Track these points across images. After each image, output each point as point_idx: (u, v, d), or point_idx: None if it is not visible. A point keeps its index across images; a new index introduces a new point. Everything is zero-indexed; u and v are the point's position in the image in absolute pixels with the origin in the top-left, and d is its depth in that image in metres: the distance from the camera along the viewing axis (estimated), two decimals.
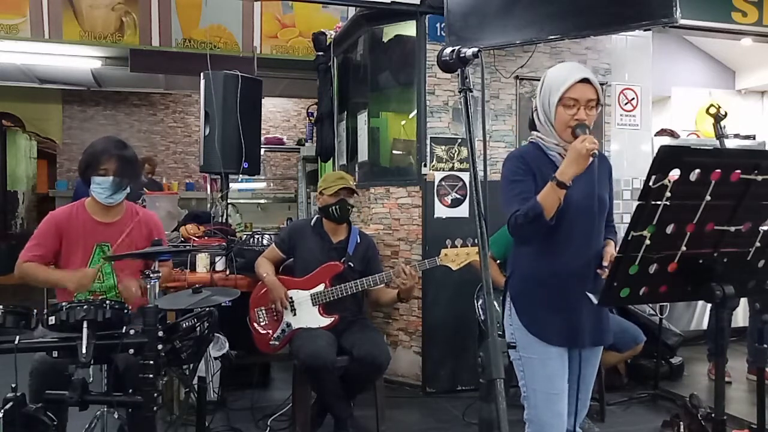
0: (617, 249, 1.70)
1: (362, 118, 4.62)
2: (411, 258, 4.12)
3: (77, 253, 2.73)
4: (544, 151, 2.10)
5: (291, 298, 3.22)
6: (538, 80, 2.13)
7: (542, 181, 2.00)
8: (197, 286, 2.59)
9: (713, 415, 1.78)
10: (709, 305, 4.55)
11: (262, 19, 6.58)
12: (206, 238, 4.03)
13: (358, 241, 3.36)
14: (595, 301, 2.03)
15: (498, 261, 3.39)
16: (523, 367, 2.11)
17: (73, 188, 8.07)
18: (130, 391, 2.23)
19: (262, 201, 7.82)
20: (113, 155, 2.70)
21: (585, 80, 2.01)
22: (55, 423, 2.17)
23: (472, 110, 1.53)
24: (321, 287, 3.21)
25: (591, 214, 2.08)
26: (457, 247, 2.96)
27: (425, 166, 4.12)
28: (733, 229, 1.59)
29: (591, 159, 1.91)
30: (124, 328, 2.22)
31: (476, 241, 1.68)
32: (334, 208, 3.26)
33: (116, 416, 2.39)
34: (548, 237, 2.04)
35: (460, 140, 4.18)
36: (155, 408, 2.15)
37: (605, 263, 2.03)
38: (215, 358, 3.24)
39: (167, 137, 9.87)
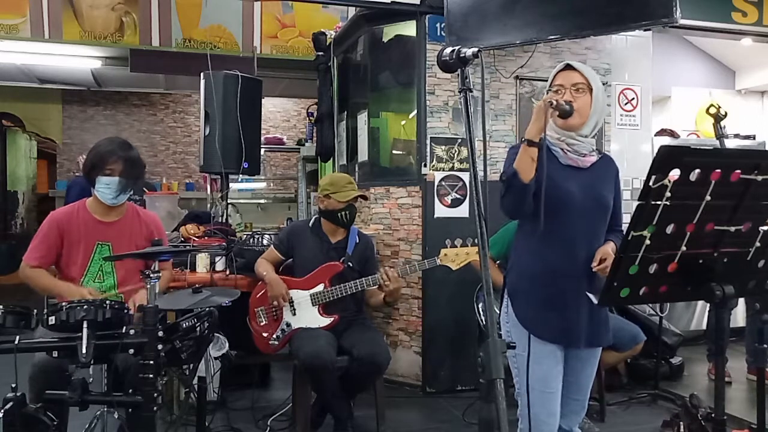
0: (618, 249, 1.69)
1: (362, 118, 4.62)
2: (411, 258, 4.12)
3: (78, 252, 2.74)
4: (549, 146, 2.11)
5: (291, 297, 3.22)
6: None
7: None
8: (197, 286, 2.59)
9: (713, 415, 1.78)
10: (709, 305, 4.56)
11: (262, 19, 6.58)
12: (206, 238, 4.02)
13: (357, 241, 3.35)
14: (595, 301, 2.04)
15: (498, 262, 3.39)
16: (517, 364, 2.11)
17: None
18: (130, 391, 2.23)
19: (262, 201, 7.81)
20: (119, 156, 2.72)
21: (569, 67, 2.09)
22: (55, 423, 2.17)
23: (472, 110, 1.53)
24: (321, 287, 3.21)
25: (589, 213, 2.09)
26: (456, 247, 2.96)
27: (425, 166, 4.12)
28: (733, 229, 1.59)
29: (549, 110, 1.95)
30: (124, 328, 2.22)
31: (476, 241, 1.68)
32: (343, 213, 3.23)
33: (116, 416, 2.38)
34: (545, 234, 2.04)
35: (460, 140, 4.18)
36: (155, 408, 2.15)
37: (594, 264, 2.03)
38: (215, 358, 3.24)
39: (167, 137, 9.87)
